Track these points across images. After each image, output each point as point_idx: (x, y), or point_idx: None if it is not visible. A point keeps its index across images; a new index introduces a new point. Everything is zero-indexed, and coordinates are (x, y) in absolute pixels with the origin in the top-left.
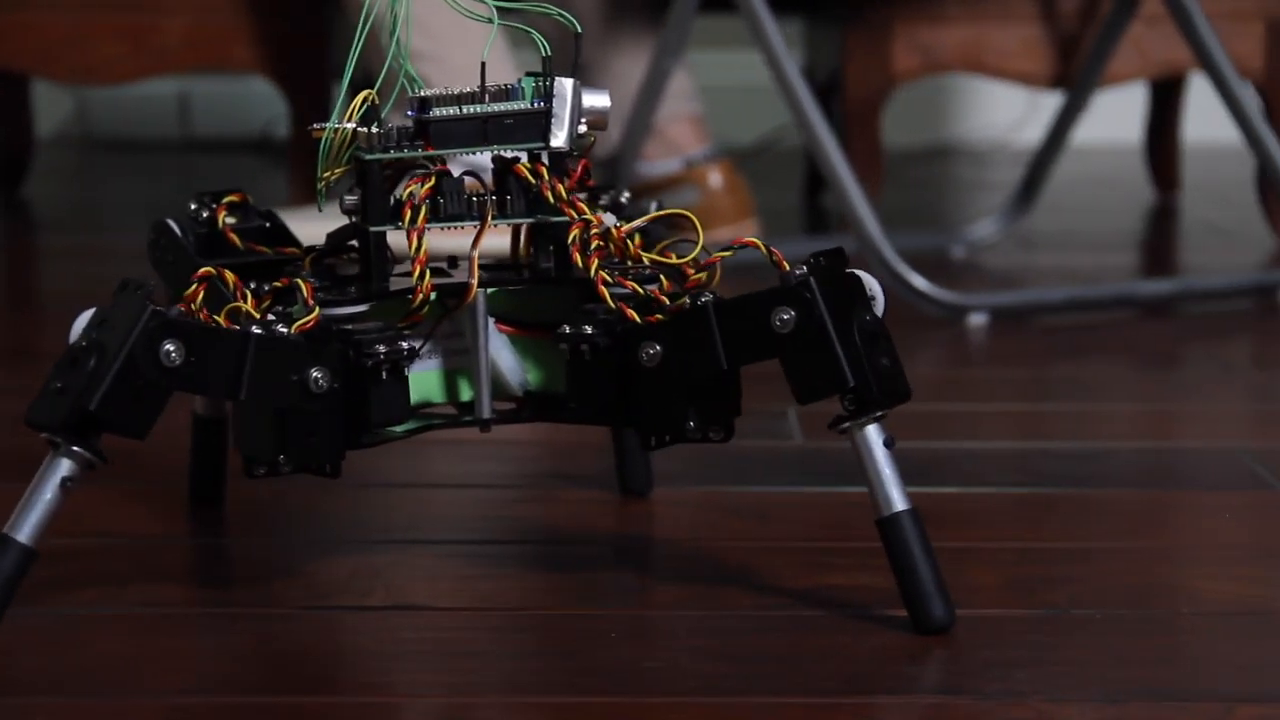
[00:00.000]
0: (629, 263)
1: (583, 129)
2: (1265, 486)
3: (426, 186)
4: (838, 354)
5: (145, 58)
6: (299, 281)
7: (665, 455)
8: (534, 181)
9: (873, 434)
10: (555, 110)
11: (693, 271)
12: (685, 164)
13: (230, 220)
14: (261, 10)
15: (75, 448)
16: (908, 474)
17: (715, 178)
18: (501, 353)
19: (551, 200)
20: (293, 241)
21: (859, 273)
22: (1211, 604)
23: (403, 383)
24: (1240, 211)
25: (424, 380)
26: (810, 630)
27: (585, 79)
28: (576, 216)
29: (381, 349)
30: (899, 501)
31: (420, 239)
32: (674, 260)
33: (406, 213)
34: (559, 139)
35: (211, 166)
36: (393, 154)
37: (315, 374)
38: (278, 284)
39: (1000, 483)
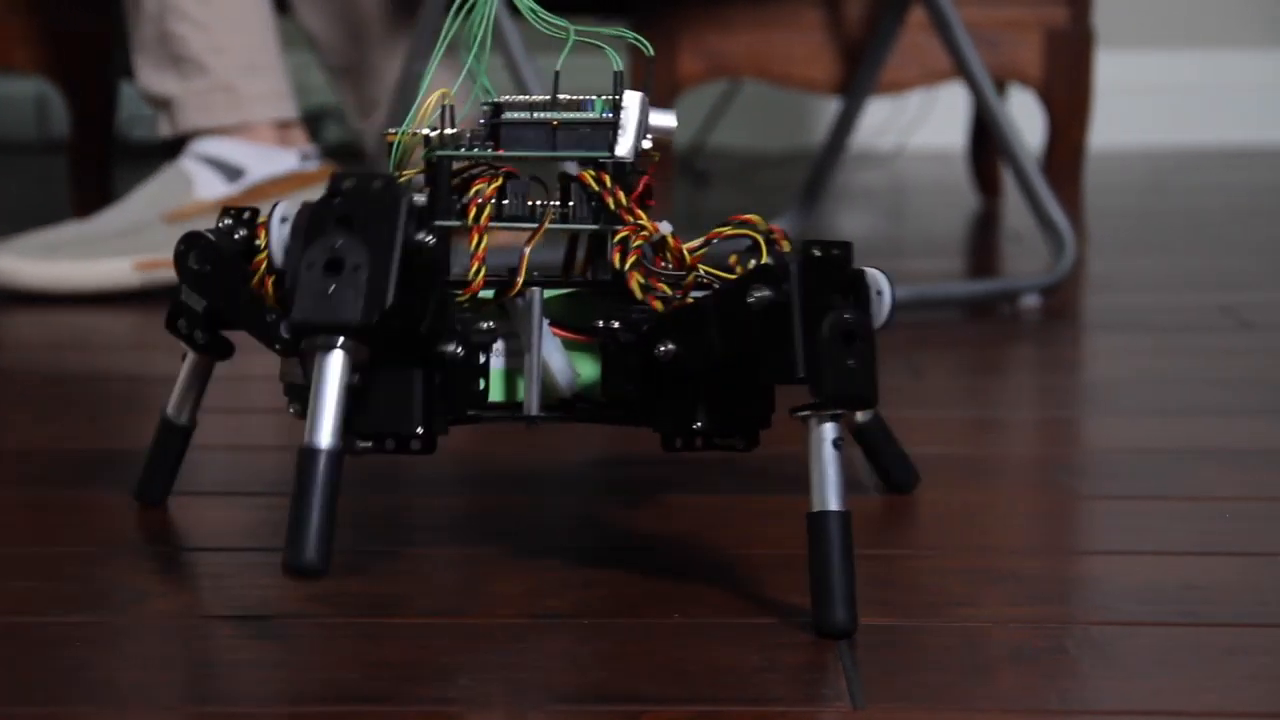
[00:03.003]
0: (689, 274)
1: (647, 144)
2: (860, 492)
3: (493, 186)
4: (795, 342)
5: None
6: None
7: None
8: (596, 189)
9: (823, 431)
10: (622, 122)
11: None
12: None
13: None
14: (42, 11)
15: (354, 343)
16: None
17: None
18: (554, 355)
19: (612, 208)
20: None
21: (867, 269)
22: (704, 610)
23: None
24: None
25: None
26: (290, 637)
27: (367, 82)
28: (632, 223)
29: (490, 325)
30: (831, 502)
31: (482, 237)
32: (735, 270)
33: (471, 210)
34: (623, 149)
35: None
36: (463, 153)
37: (450, 345)
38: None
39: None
